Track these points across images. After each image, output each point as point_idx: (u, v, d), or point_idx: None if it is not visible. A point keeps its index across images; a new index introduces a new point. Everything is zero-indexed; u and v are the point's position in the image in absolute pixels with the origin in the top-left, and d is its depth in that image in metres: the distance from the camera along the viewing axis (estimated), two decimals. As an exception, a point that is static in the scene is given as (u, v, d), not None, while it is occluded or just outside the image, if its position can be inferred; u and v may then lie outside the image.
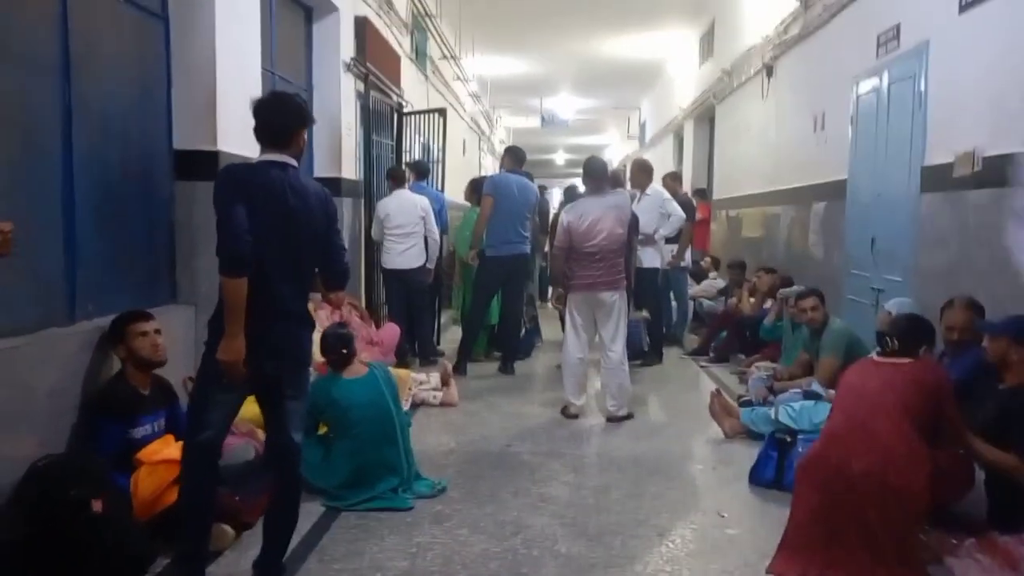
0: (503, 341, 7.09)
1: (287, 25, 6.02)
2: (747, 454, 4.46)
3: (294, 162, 2.84)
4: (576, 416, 5.34)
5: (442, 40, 11.38)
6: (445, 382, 5.79)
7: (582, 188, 6.25)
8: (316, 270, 2.97)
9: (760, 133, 8.78)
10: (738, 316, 7.37)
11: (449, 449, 4.61)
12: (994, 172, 4.06)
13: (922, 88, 4.90)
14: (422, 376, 5.79)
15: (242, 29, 4.64)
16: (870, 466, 2.95)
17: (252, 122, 2.87)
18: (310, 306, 3.09)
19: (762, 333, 6.58)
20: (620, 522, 3.54)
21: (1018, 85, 3.86)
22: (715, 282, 9.38)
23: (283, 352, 2.82)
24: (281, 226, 2.74)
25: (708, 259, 10.24)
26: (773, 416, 4.69)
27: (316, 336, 5.62)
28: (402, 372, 5.68)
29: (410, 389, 5.58)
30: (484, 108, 17.37)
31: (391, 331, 6.61)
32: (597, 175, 5.37)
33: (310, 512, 3.54)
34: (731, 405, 5.06)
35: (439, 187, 8.30)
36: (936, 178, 4.69)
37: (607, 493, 3.92)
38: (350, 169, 6.91)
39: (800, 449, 3.89)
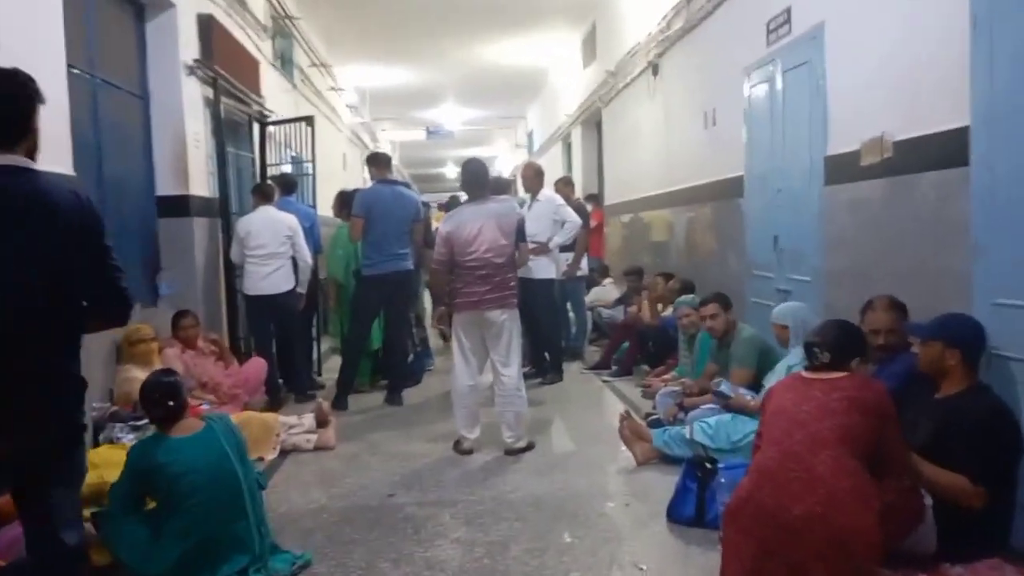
0: (388, 368, 6.41)
1: (110, 22, 5.19)
2: (663, 484, 3.97)
3: (29, 163, 2.13)
4: (470, 451, 4.72)
5: (309, 47, 10.62)
6: (321, 423, 5.07)
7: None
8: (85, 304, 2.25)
9: (650, 134, 8.45)
10: (639, 326, 6.94)
11: (320, 506, 3.90)
12: (908, 157, 3.71)
13: (819, 74, 4.56)
14: (293, 419, 5.05)
15: (28, 17, 3.83)
16: (811, 508, 2.46)
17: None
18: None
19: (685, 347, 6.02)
20: (522, 590, 2.95)
21: (933, 61, 3.51)
22: (607, 289, 8.98)
23: (34, 426, 2.09)
24: (12, 256, 2.03)
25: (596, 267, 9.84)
26: (687, 435, 4.24)
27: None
28: (268, 417, 4.93)
29: (278, 435, 4.83)
30: (364, 120, 16.60)
31: (256, 367, 5.83)
32: (476, 180, 4.80)
33: (130, 615, 2.80)
34: (642, 428, 4.56)
35: (311, 202, 7.54)
36: (841, 168, 4.35)
37: (505, 550, 3.32)
38: (201, 185, 6.10)
39: (723, 480, 3.41)
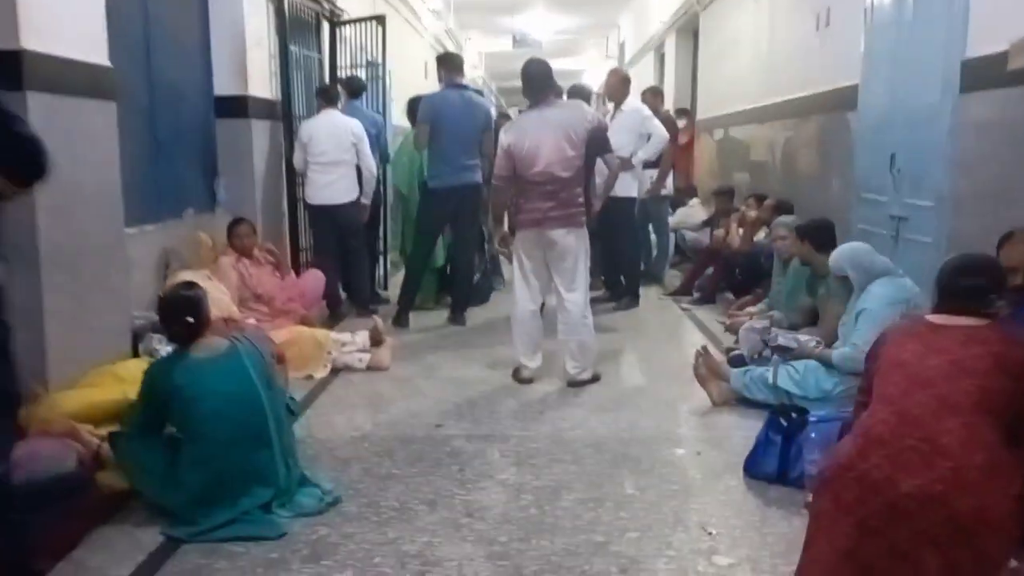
0: (453, 287, 6.06)
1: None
2: (742, 431, 3.54)
3: None
4: (530, 381, 4.36)
5: (389, -60, 10.02)
6: (375, 341, 4.78)
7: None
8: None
9: (751, 40, 7.63)
10: (726, 251, 6.36)
11: (362, 434, 3.61)
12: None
13: (963, -41, 3.79)
14: (346, 336, 4.76)
15: None
16: (929, 485, 1.97)
17: None
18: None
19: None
20: (569, 549, 2.58)
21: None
22: (694, 210, 8.34)
23: None
24: None
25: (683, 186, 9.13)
26: (771, 380, 3.75)
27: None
28: (320, 333, 4.67)
29: (329, 353, 4.57)
30: (448, 26, 15.95)
31: (314, 279, 5.57)
32: (537, 82, 4.26)
33: (139, 544, 2.57)
34: (720, 366, 4.09)
35: (378, 108, 7.13)
36: (981, 73, 3.63)
37: (556, 498, 2.95)
38: (262, 86, 5.75)
39: (813, 434, 2.93)
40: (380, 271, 6.99)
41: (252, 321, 4.47)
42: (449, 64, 5.75)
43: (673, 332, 5.69)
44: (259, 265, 5.18)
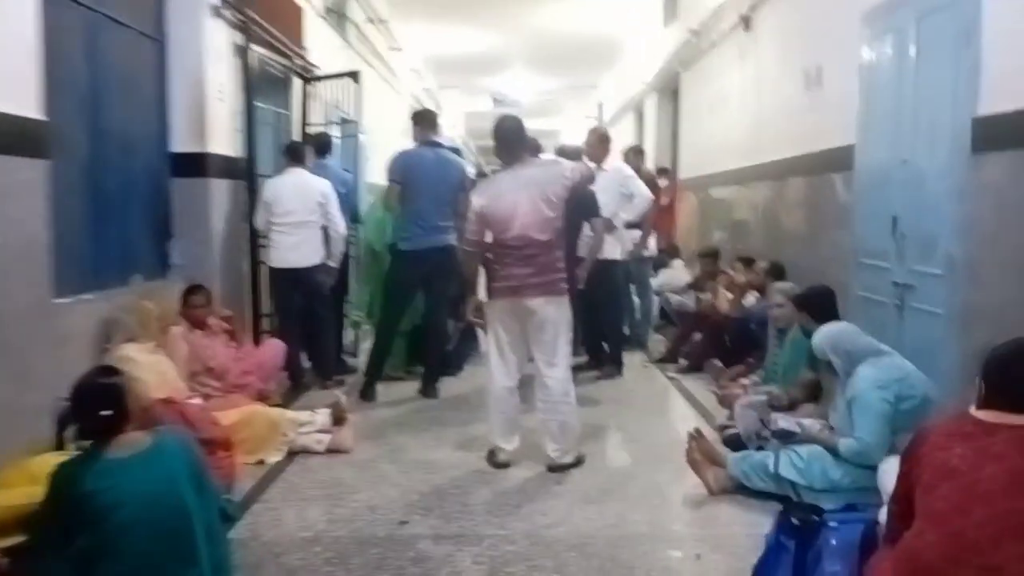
0: (425, 356, 5.65)
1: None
2: (744, 525, 3.17)
3: None
4: (506, 465, 3.94)
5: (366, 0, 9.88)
6: (338, 420, 4.35)
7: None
8: None
9: (735, 99, 7.44)
10: (714, 316, 6.03)
11: (314, 534, 3.17)
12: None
13: (971, 16, 3.55)
14: (305, 415, 4.32)
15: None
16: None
17: None
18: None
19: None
20: None
21: None
22: (677, 272, 8.04)
23: None
24: None
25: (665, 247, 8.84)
26: (772, 468, 3.37)
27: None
28: (275, 413, 4.24)
29: (285, 434, 4.13)
30: (428, 86, 15.87)
31: (272, 350, 5.16)
32: (509, 141, 3.95)
33: None
34: (715, 450, 3.71)
35: (352, 167, 6.80)
36: (995, 133, 3.36)
37: (536, 619, 2.53)
38: (223, 143, 5.41)
39: (833, 541, 2.54)
40: (348, 337, 6.58)
41: (196, 401, 4.03)
42: (423, 121, 5.45)
43: (661, 404, 5.30)
44: (212, 335, 4.76)
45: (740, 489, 3.50)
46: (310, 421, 4.26)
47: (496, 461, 3.95)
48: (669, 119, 11.32)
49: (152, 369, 4.03)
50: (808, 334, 4.15)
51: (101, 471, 2.32)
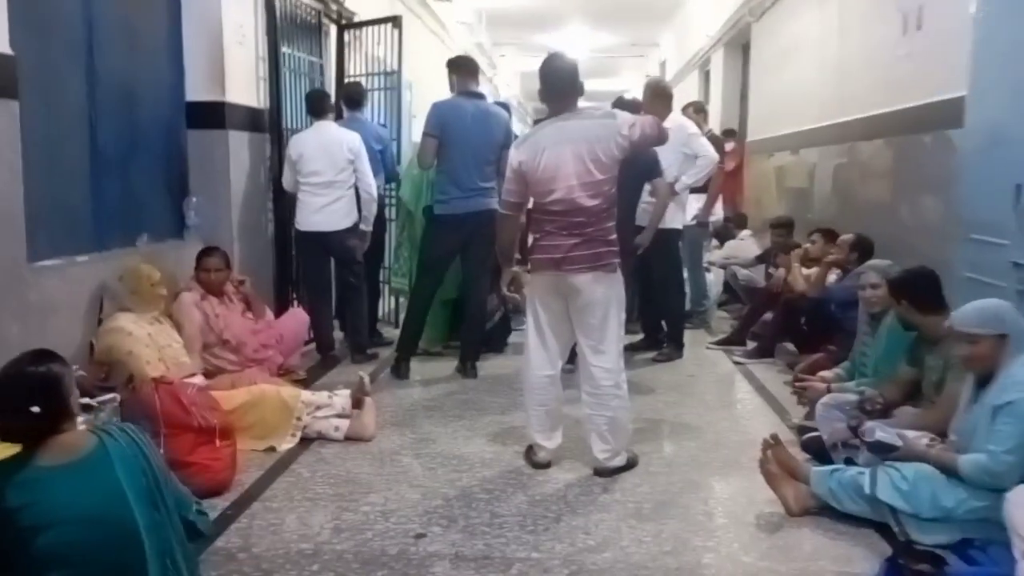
0: (463, 332, 5.14)
1: None
2: (834, 560, 2.58)
3: None
4: (547, 465, 3.41)
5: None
6: (357, 403, 3.87)
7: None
8: None
9: (815, 51, 6.65)
10: (787, 294, 5.36)
11: (314, 546, 2.69)
12: None
13: None
14: (322, 396, 3.84)
15: None
16: None
17: None
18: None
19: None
20: None
21: None
22: (745, 244, 7.35)
23: None
24: None
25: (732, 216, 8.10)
26: (867, 488, 2.76)
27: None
28: (288, 394, 3.74)
29: (298, 419, 3.66)
30: (480, 41, 15.20)
31: (295, 321, 4.73)
32: (558, 85, 3.31)
33: None
34: (794, 461, 3.11)
35: (392, 122, 6.27)
36: None
37: None
38: (245, 92, 4.93)
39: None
40: (385, 306, 6.11)
41: (198, 379, 3.58)
42: (461, 68, 4.86)
43: (727, 396, 4.69)
44: (229, 304, 4.33)
45: (825, 509, 2.91)
46: (327, 404, 3.78)
47: (535, 460, 3.42)
48: (737, 76, 10.48)
49: (149, 342, 3.61)
50: (907, 326, 3.52)
51: (26, 483, 1.87)
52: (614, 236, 3.28)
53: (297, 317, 4.75)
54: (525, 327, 3.45)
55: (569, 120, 3.25)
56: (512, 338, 5.56)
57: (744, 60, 10.09)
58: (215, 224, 4.68)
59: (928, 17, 4.58)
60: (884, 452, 2.81)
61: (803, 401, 3.93)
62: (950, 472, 2.67)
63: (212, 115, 4.64)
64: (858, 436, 3.03)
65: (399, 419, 4.04)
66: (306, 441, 3.65)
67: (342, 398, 3.82)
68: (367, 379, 4.03)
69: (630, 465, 3.38)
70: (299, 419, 3.66)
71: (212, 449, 3.13)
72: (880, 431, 2.86)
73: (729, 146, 8.55)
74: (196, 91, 4.63)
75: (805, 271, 5.67)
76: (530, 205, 3.42)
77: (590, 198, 3.17)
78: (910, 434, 2.90)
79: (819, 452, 3.45)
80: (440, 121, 4.61)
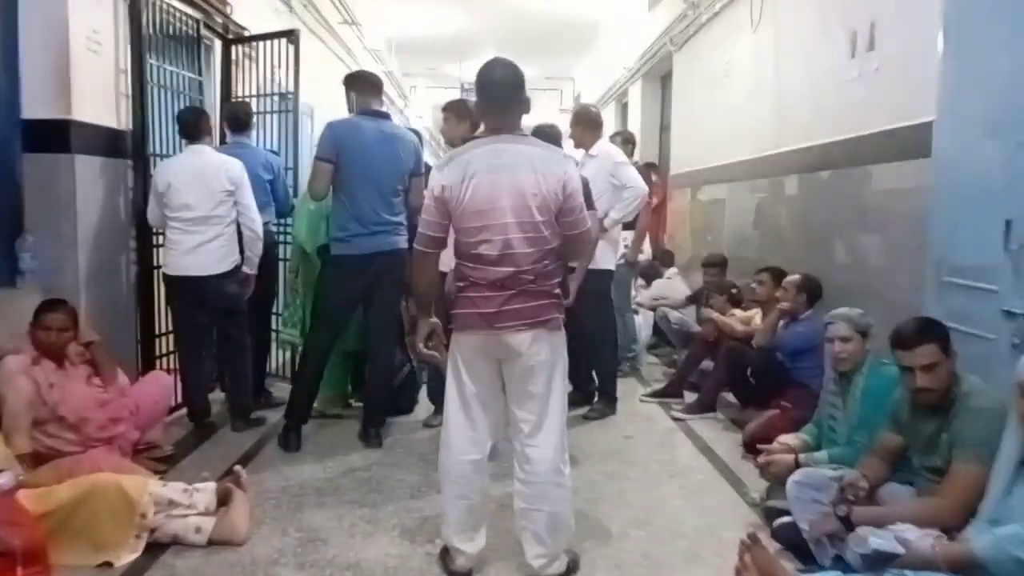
0: (366, 391, 4.39)
1: None
2: None
3: None
4: (466, 574, 2.71)
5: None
6: (224, 499, 3.06)
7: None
8: None
9: (747, 78, 6.26)
10: (732, 343, 4.83)
11: None
12: None
13: None
14: (178, 489, 3.02)
15: None
16: None
17: None
18: None
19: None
20: None
21: None
22: (673, 283, 6.88)
23: None
24: None
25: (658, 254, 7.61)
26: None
27: None
28: (132, 484, 2.89)
29: (143, 516, 2.84)
30: (390, 70, 14.57)
31: (156, 386, 3.88)
32: (502, 94, 2.66)
33: None
34: (776, 564, 2.50)
35: (284, 147, 5.51)
36: None
37: None
38: (99, 109, 4.09)
39: None
40: (276, 360, 5.30)
41: (4, 478, 2.72)
42: (361, 83, 4.17)
43: (672, 462, 4.07)
44: (69, 370, 3.47)
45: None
46: (185, 500, 2.97)
47: (452, 569, 2.71)
48: (657, 108, 10.17)
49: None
50: (884, 381, 3.01)
51: None
52: (557, 287, 2.64)
53: (160, 381, 3.90)
54: (446, 400, 2.74)
55: (509, 143, 2.60)
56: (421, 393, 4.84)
57: (664, 91, 9.78)
58: (57, 268, 3.83)
59: (882, 33, 4.17)
60: (884, 563, 2.23)
61: (768, 476, 3.35)
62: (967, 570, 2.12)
63: (54, 136, 3.81)
64: (848, 530, 2.46)
65: (282, 510, 3.27)
66: (156, 548, 2.85)
67: (205, 494, 3.01)
68: (243, 474, 3.22)
69: (571, 571, 2.71)
70: (145, 517, 2.84)
71: (13, 579, 2.30)
72: (875, 537, 2.28)
73: (651, 179, 8.13)
74: (34, 107, 3.79)
75: (740, 313, 5.21)
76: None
77: (528, 244, 2.52)
78: (911, 534, 2.34)
79: (794, 542, 2.87)
80: (336, 143, 3.90)
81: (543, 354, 2.60)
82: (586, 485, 3.56)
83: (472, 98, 3.98)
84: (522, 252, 2.53)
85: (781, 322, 4.45)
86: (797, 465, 3.17)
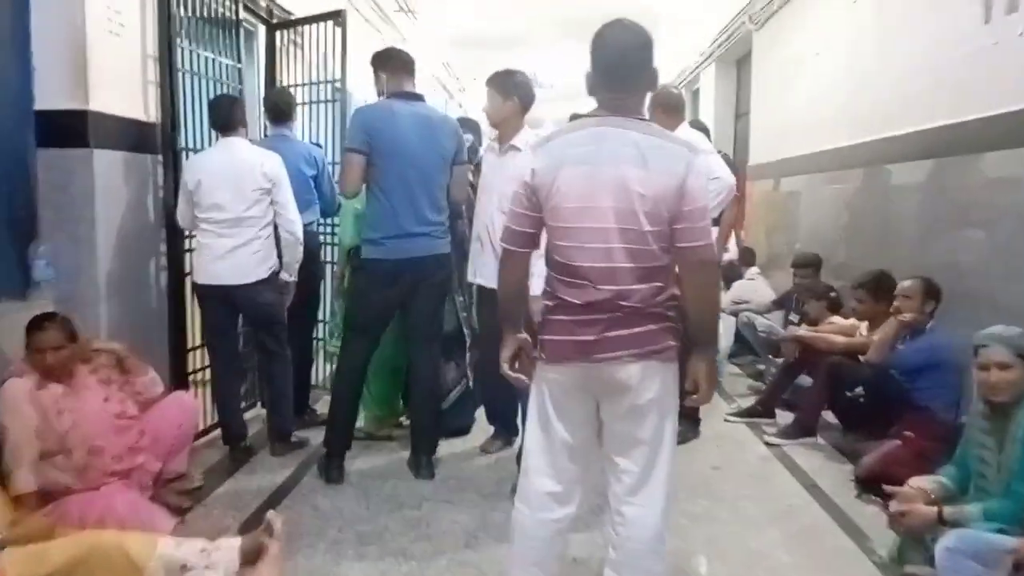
0: (413, 414, 3.90)
1: None
2: None
3: None
4: (536, 658, 2.19)
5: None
6: (250, 556, 2.56)
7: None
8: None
9: (844, 54, 5.56)
10: (830, 355, 4.19)
11: None
12: None
13: None
14: (191, 551, 2.49)
15: None
16: None
17: None
18: None
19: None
20: None
21: None
22: (757, 284, 6.24)
23: None
24: None
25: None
26: None
27: None
28: (137, 545, 2.41)
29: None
30: (447, 61, 14.16)
31: (177, 409, 3.40)
32: (618, 65, 2.07)
33: None
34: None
35: (330, 139, 5.06)
36: None
37: None
38: (123, 99, 3.67)
39: None
40: (321, 373, 4.86)
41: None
42: (390, 63, 3.62)
43: (771, 501, 3.45)
44: (81, 391, 3.05)
45: None
46: (204, 565, 2.49)
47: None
48: (732, 93, 9.45)
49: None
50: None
51: None
52: (672, 310, 2.08)
53: (181, 403, 3.43)
54: (525, 436, 2.21)
55: (619, 127, 2.04)
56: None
57: (740, 75, 9.08)
58: (75, 277, 3.43)
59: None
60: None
61: (900, 529, 2.73)
62: None
63: (71, 129, 3.40)
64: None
65: (316, 562, 2.80)
66: (167, 614, 2.38)
67: (227, 552, 2.52)
68: (277, 523, 2.72)
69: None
70: (145, 580, 2.38)
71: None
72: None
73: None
74: (48, 97, 3.39)
75: (840, 321, 4.57)
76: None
77: (631, 258, 1.97)
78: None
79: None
80: (366, 131, 3.38)
81: (654, 391, 2.06)
82: (670, 530, 2.99)
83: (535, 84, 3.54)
84: (624, 267, 1.98)
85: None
86: (941, 520, 2.56)
